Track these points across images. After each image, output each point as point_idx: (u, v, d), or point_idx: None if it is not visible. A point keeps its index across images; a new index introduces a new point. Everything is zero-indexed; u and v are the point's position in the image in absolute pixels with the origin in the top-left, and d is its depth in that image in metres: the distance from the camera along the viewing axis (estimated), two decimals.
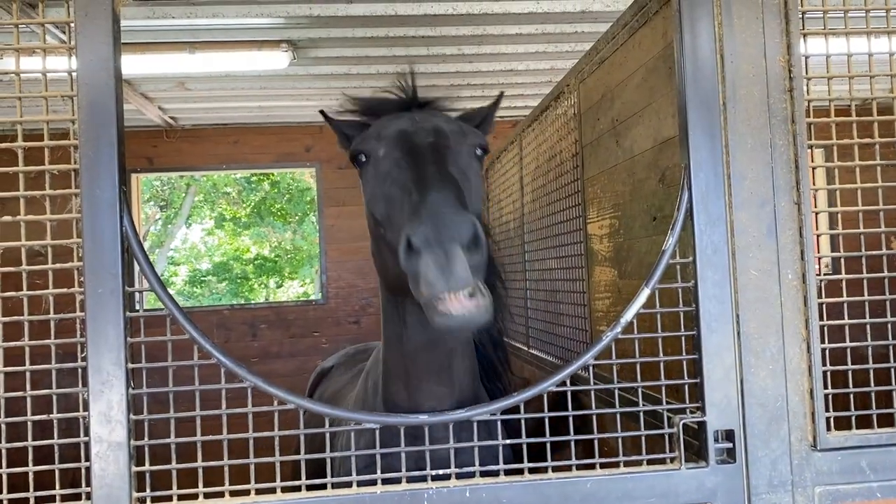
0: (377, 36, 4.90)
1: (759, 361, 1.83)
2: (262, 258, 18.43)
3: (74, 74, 1.72)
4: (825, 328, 1.87)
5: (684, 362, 1.86)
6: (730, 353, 1.82)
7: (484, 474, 1.77)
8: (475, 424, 1.80)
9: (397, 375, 2.25)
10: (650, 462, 1.81)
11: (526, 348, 4.60)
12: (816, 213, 1.93)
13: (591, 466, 1.80)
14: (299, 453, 1.76)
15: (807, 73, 1.90)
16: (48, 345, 1.73)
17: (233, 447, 1.73)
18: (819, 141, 1.95)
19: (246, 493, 1.70)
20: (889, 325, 1.94)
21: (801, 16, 1.90)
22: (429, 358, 2.18)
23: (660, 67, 2.36)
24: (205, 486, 1.69)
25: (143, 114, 6.41)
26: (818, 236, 1.94)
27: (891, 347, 1.94)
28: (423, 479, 1.74)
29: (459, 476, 1.75)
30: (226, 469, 1.73)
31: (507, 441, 1.83)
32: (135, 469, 1.68)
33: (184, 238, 19.15)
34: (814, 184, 1.92)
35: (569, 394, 1.88)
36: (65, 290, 1.73)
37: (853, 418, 1.88)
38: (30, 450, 1.72)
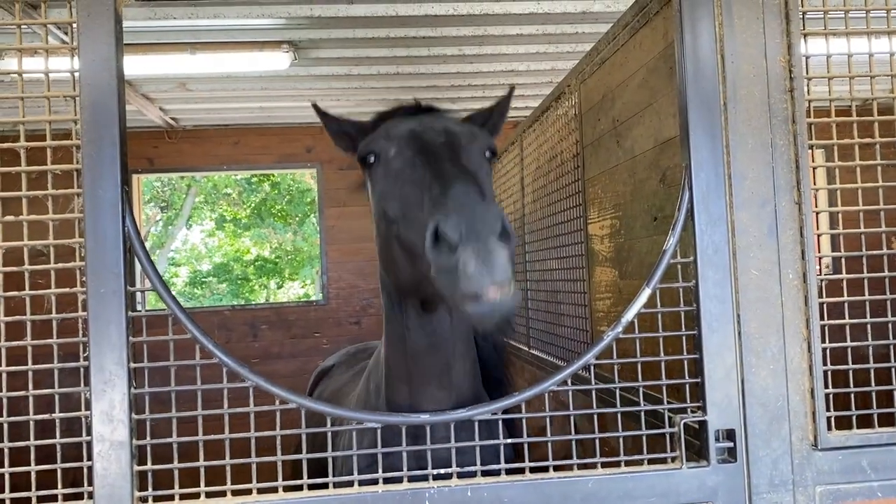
0: (378, 37, 4.90)
1: (759, 361, 1.84)
2: (262, 259, 18.43)
3: (77, 75, 1.72)
4: (826, 328, 1.87)
5: (685, 362, 1.87)
6: (731, 352, 1.83)
7: (485, 474, 1.78)
8: (476, 424, 1.81)
9: (399, 377, 2.25)
10: (651, 461, 1.81)
11: (527, 349, 4.61)
12: (817, 213, 1.93)
13: (593, 466, 1.80)
14: (299, 453, 1.77)
15: (807, 73, 1.90)
16: (50, 344, 1.73)
17: (234, 447, 1.74)
18: (820, 141, 1.95)
19: (248, 492, 1.71)
20: (890, 325, 1.94)
21: (801, 16, 1.90)
22: (431, 361, 2.18)
23: (660, 68, 2.36)
24: (206, 486, 1.69)
25: (144, 114, 6.42)
26: (819, 236, 1.94)
27: (891, 347, 1.94)
28: (424, 478, 1.75)
29: (461, 476, 1.76)
30: (227, 468, 1.73)
31: (509, 440, 1.84)
32: (137, 468, 1.68)
33: (184, 239, 19.17)
34: (814, 184, 1.92)
35: (570, 393, 1.88)
36: (67, 289, 1.73)
37: (854, 418, 1.88)
38: (32, 449, 1.72)
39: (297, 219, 18.01)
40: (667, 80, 2.30)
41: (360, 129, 2.28)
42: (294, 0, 4.28)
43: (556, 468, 1.78)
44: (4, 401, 1.73)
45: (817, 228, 1.93)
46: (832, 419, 1.85)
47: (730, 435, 1.80)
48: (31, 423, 1.73)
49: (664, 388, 1.88)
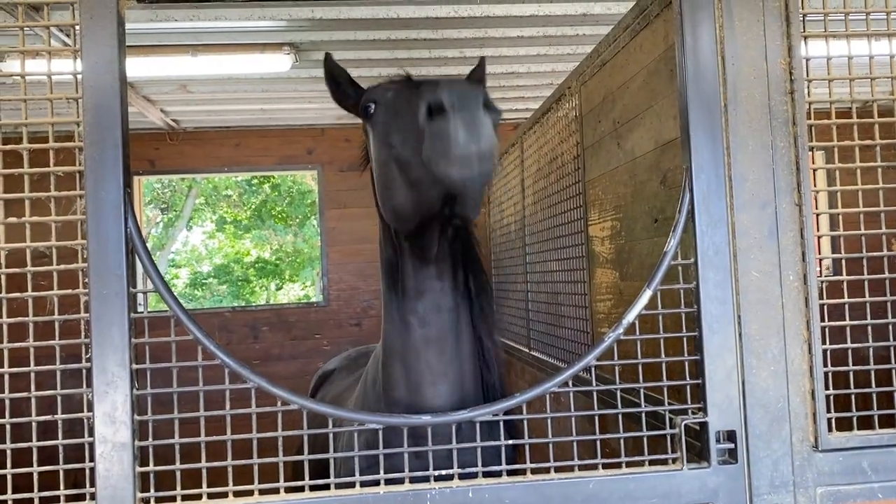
0: (379, 39, 4.91)
1: (760, 362, 1.84)
2: (262, 261, 18.44)
3: (79, 77, 1.73)
4: (826, 329, 1.87)
5: (686, 363, 1.87)
6: (731, 354, 1.83)
7: (486, 475, 1.78)
8: (477, 424, 1.81)
9: (397, 372, 2.27)
10: (652, 463, 1.82)
11: (527, 350, 4.61)
12: (817, 215, 1.94)
13: (594, 467, 1.80)
14: (300, 454, 1.77)
15: (808, 75, 1.91)
16: (52, 346, 1.74)
17: (235, 448, 1.74)
18: (820, 143, 1.96)
19: (249, 493, 1.71)
20: (890, 327, 1.94)
21: (801, 18, 1.91)
22: (429, 355, 2.20)
23: (661, 70, 2.36)
24: (208, 487, 1.70)
25: (146, 116, 6.42)
26: (819, 238, 1.95)
27: (892, 348, 1.94)
28: (425, 479, 1.75)
29: (462, 476, 1.76)
30: (229, 469, 1.73)
31: (510, 441, 1.84)
32: (139, 469, 1.69)
33: (185, 240, 19.17)
34: (815, 185, 1.93)
35: (571, 395, 1.89)
36: (69, 291, 1.74)
37: (854, 419, 1.88)
38: (34, 450, 1.73)
39: (298, 220, 18.02)
40: (667, 82, 2.30)
41: (357, 87, 2.47)
42: (295, 1, 4.28)
43: (558, 469, 1.79)
44: (7, 402, 1.73)
45: (818, 230, 1.93)
46: (833, 420, 1.85)
47: (730, 436, 1.80)
48: (34, 424, 1.73)
49: (665, 389, 1.89)
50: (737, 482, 1.79)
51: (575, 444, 1.84)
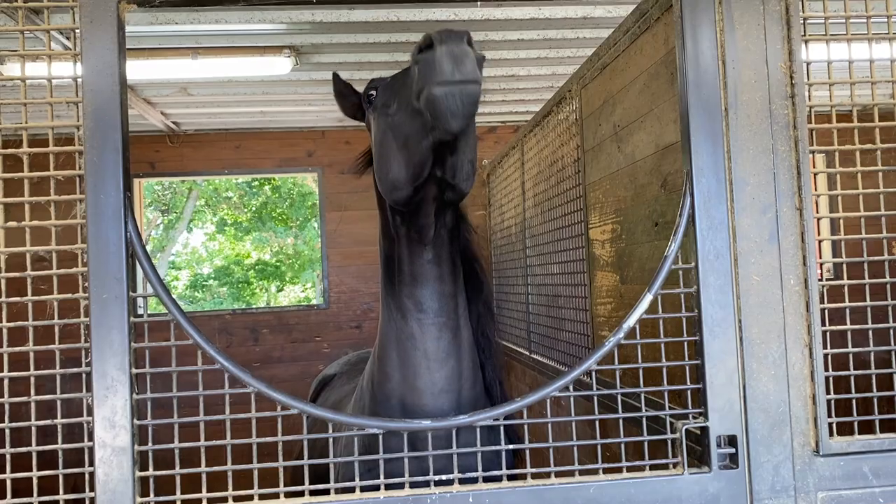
0: (379, 42, 4.91)
1: (761, 367, 1.84)
2: (263, 263, 18.43)
3: (79, 80, 1.73)
4: (827, 333, 1.87)
5: (687, 368, 1.87)
6: (732, 358, 1.83)
7: (486, 479, 1.77)
8: (477, 428, 1.81)
9: (392, 361, 2.28)
10: (653, 467, 1.81)
11: (528, 353, 4.60)
12: (818, 219, 1.94)
13: (594, 472, 1.80)
14: (300, 458, 1.77)
15: (808, 79, 1.91)
16: (52, 350, 1.73)
17: (234, 452, 1.74)
18: (821, 147, 1.96)
19: (249, 498, 1.71)
20: (891, 331, 1.94)
21: (802, 22, 1.91)
22: (426, 341, 2.22)
23: (661, 73, 2.36)
24: (208, 492, 1.69)
25: (146, 119, 6.42)
26: (820, 242, 1.94)
27: (893, 353, 1.94)
28: (425, 483, 1.75)
29: (462, 481, 1.75)
30: (229, 474, 1.73)
31: (511, 446, 1.84)
32: (138, 474, 1.68)
33: (185, 242, 19.16)
34: (815, 189, 1.93)
35: (572, 399, 1.88)
36: (69, 295, 1.73)
37: (855, 424, 1.88)
38: (33, 455, 1.73)
39: (298, 222, 18.01)
40: (668, 86, 2.30)
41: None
42: (295, 4, 4.28)
43: (558, 474, 1.78)
44: (6, 406, 1.73)
45: (818, 234, 1.93)
46: (834, 425, 1.85)
47: (731, 441, 1.80)
48: (33, 428, 1.73)
49: (666, 393, 1.88)
50: (738, 487, 1.79)
51: (575, 448, 1.84)
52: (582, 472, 1.79)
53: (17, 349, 1.74)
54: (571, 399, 1.91)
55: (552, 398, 1.82)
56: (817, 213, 1.94)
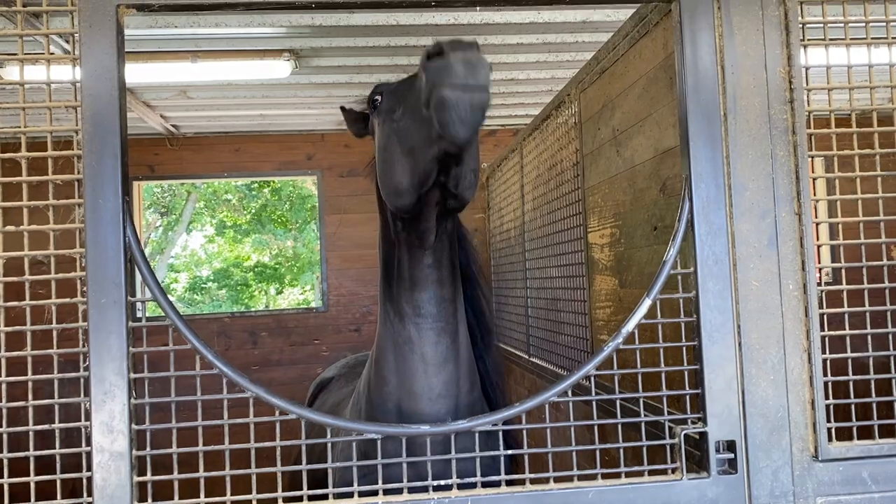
0: (379, 45, 4.91)
1: (760, 372, 1.83)
2: (262, 265, 18.42)
3: (78, 84, 1.73)
4: (826, 338, 1.87)
5: (685, 373, 1.86)
6: (731, 363, 1.83)
7: (485, 484, 1.77)
8: (476, 433, 1.80)
9: (389, 365, 2.28)
10: (652, 472, 1.81)
11: (527, 356, 4.60)
12: (817, 224, 1.93)
13: (593, 477, 1.80)
14: (298, 463, 1.76)
15: (807, 83, 1.91)
16: (50, 354, 1.73)
17: (232, 456, 1.73)
18: (819, 151, 1.96)
19: (248, 503, 1.70)
20: (890, 336, 1.94)
21: (801, 27, 1.91)
22: (424, 346, 2.21)
23: (660, 78, 2.37)
24: (206, 497, 1.69)
25: (145, 122, 6.43)
26: (819, 247, 1.95)
27: (892, 358, 1.93)
28: (423, 489, 1.74)
29: (460, 486, 1.75)
30: (227, 479, 1.73)
31: (509, 451, 1.83)
32: (136, 479, 1.68)
33: (184, 245, 19.15)
34: (814, 194, 1.92)
35: (571, 404, 1.88)
36: (67, 299, 1.73)
37: (854, 429, 1.88)
38: (31, 459, 1.72)
39: (298, 225, 18.01)
40: (667, 91, 2.31)
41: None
42: (295, 8, 4.28)
43: (557, 479, 1.78)
44: (4, 411, 1.73)
45: (817, 239, 1.93)
46: (833, 430, 1.84)
47: (730, 446, 1.80)
48: (31, 433, 1.72)
49: (664, 398, 1.88)
50: (737, 492, 1.79)
51: (574, 453, 1.83)
52: (581, 478, 1.79)
53: (15, 353, 1.74)
54: (570, 404, 1.90)
55: (551, 403, 1.82)
56: (816, 217, 1.94)
